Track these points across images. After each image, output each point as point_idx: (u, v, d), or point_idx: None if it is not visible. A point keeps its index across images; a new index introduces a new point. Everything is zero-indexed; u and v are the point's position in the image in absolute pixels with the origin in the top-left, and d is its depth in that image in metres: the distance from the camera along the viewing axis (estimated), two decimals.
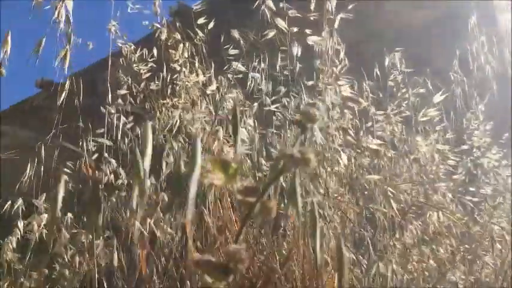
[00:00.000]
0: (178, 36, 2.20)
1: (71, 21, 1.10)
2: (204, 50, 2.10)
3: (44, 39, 1.05)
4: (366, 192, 1.70)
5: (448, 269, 2.07)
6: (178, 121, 1.65)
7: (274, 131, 1.92)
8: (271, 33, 1.46)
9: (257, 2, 1.42)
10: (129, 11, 2.09)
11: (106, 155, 2.22)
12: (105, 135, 2.05)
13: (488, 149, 2.63)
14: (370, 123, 2.25)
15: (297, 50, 1.54)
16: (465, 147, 2.53)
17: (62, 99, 1.63)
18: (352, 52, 1.75)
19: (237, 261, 0.45)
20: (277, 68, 1.64)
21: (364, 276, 1.37)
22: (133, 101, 2.22)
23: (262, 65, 1.76)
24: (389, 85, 2.39)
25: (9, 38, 1.02)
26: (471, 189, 2.63)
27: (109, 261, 1.38)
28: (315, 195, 1.33)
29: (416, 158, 2.28)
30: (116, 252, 1.49)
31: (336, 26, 1.86)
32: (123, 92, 2.06)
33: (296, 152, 0.50)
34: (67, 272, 1.18)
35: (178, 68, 2.18)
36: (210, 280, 0.45)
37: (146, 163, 0.57)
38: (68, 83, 1.69)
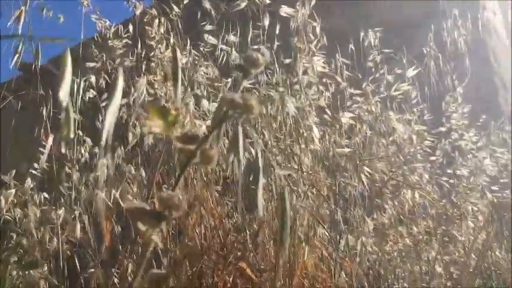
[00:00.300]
0: (154, 11, 2.16)
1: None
2: (180, 26, 2.05)
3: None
4: (339, 169, 1.68)
5: (424, 249, 2.08)
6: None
7: None
8: (242, 4, 1.42)
9: None
10: None
11: (80, 132, 2.19)
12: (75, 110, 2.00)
13: (466, 131, 2.64)
14: (348, 103, 2.24)
15: (268, 22, 1.51)
16: (443, 129, 2.53)
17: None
18: (327, 29, 1.72)
19: (171, 207, 0.43)
20: (249, 39, 1.61)
21: (334, 250, 1.36)
22: (107, 78, 2.18)
23: (234, 37, 1.72)
24: (368, 66, 2.37)
25: None
26: (448, 171, 2.64)
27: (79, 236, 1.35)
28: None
29: (393, 140, 2.28)
30: (85, 227, 1.46)
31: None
32: (91, 64, 2.00)
33: (238, 98, 0.48)
34: (24, 241, 1.15)
35: (154, 45, 2.14)
36: (143, 228, 0.43)
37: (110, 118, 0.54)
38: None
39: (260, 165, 0.52)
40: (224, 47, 1.72)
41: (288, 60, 2.01)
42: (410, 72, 1.66)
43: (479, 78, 3.67)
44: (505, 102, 4.47)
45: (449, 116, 2.70)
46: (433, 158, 2.54)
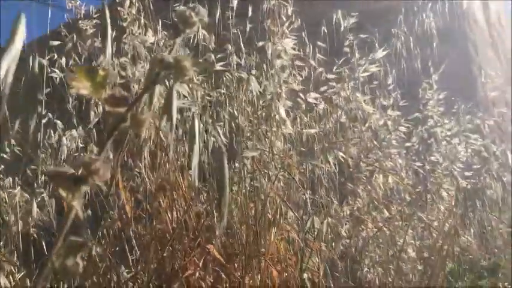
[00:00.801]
0: None
1: None
2: (151, 7, 2.01)
3: None
4: (311, 153, 1.67)
5: (398, 233, 2.09)
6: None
7: (223, 92, 1.87)
8: None
9: None
10: None
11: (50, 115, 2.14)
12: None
13: (441, 118, 2.65)
14: (323, 88, 2.22)
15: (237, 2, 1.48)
16: (418, 115, 2.54)
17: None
18: (302, 12, 1.70)
19: (91, 172, 0.41)
20: (216, 19, 1.58)
21: (299, 231, 1.35)
22: (78, 59, 2.12)
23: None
24: (345, 51, 2.36)
25: None
26: (424, 157, 2.66)
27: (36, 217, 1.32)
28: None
29: (368, 126, 2.27)
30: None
31: None
32: (55, 43, 1.95)
33: (169, 58, 0.45)
34: None
35: (125, 25, 2.09)
36: (63, 193, 0.41)
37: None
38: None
39: (196, 130, 0.49)
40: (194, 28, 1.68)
41: (261, 43, 1.99)
42: (380, 54, 1.64)
43: (458, 66, 3.70)
44: (481, 90, 4.51)
45: (425, 103, 2.71)
46: (408, 144, 2.55)
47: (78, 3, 2.15)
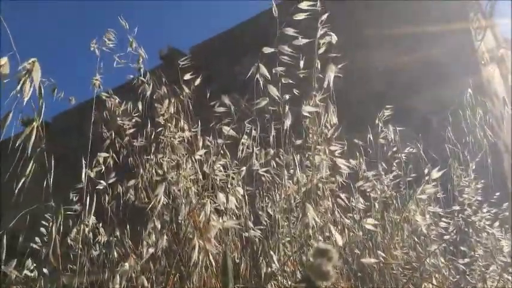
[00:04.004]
0: (164, 90, 2.15)
1: (42, 92, 1.01)
2: (191, 107, 2.04)
3: (11, 114, 0.96)
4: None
5: None
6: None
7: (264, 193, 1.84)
8: (263, 102, 1.40)
9: (251, 70, 1.36)
10: (115, 65, 2.03)
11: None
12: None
13: (479, 207, 2.58)
14: (361, 182, 2.19)
15: (289, 122, 1.48)
16: (456, 207, 2.47)
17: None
18: (341, 101, 1.71)
19: None
20: (270, 136, 1.58)
21: None
22: (116, 157, 2.13)
23: (254, 132, 1.70)
24: (380, 142, 2.35)
25: None
26: (462, 248, 2.57)
27: None
28: None
29: (407, 217, 2.21)
30: None
31: (326, 84, 1.83)
32: (103, 155, 1.97)
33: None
34: None
35: (163, 122, 2.12)
36: None
37: None
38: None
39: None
40: (245, 141, 1.69)
41: (298, 142, 1.98)
42: (435, 174, 1.61)
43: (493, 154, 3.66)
44: (509, 168, 4.44)
45: (461, 190, 2.65)
46: (447, 236, 2.47)
47: (117, 101, 2.18)
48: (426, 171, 1.64)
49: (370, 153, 2.24)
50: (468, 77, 4.33)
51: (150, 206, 1.55)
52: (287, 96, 1.49)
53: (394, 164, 2.28)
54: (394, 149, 2.28)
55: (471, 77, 4.54)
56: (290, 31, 1.43)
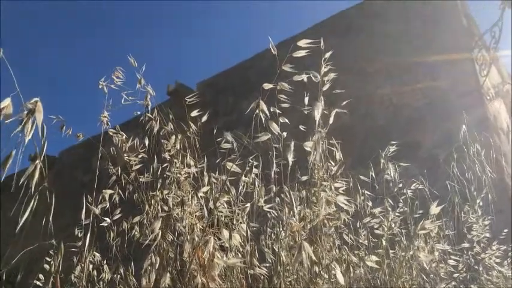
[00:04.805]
0: (170, 126, 2.17)
1: (45, 132, 1.03)
2: (198, 144, 2.05)
3: (14, 153, 0.97)
4: None
5: None
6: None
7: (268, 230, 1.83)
8: (265, 137, 1.41)
9: (251, 106, 1.38)
10: (122, 102, 2.06)
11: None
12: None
13: (488, 245, 2.55)
14: (367, 219, 2.18)
15: (291, 158, 1.49)
16: (465, 245, 2.44)
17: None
18: (346, 136, 1.71)
19: None
20: (272, 173, 1.58)
21: None
22: (122, 193, 2.14)
23: (256, 170, 1.71)
24: (386, 178, 2.34)
25: None
26: (473, 287, 2.51)
27: None
28: None
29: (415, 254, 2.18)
30: None
31: (331, 120, 1.84)
32: (109, 191, 1.98)
33: None
34: None
35: (169, 158, 2.13)
36: None
37: None
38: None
39: None
40: (246, 179, 1.70)
41: (304, 178, 1.98)
42: (434, 209, 1.60)
43: (493, 181, 3.63)
44: None
45: (469, 226, 2.62)
46: (456, 275, 2.42)
47: (124, 137, 2.20)
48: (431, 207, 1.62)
49: (377, 189, 2.23)
50: (473, 113, 4.35)
51: (148, 240, 1.54)
52: (285, 134, 1.51)
53: (401, 200, 2.26)
54: (400, 185, 2.27)
55: (476, 113, 4.56)
56: (289, 68, 1.45)
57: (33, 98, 1.00)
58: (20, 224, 0.96)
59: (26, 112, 0.97)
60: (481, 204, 2.56)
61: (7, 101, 0.94)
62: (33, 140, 1.00)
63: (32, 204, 0.98)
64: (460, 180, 2.35)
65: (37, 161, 0.99)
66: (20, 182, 0.97)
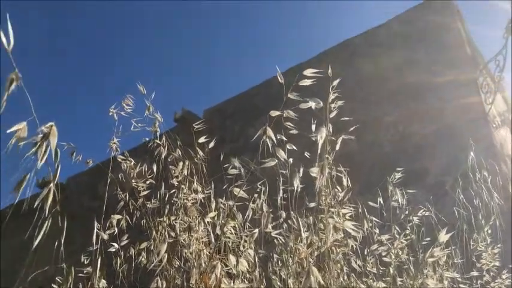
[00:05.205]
0: (178, 152, 2.20)
1: (59, 156, 1.05)
2: (205, 170, 2.07)
3: (28, 177, 0.99)
4: None
5: None
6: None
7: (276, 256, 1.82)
8: (271, 163, 1.43)
9: (258, 133, 1.40)
10: (132, 129, 2.09)
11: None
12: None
13: (498, 273, 2.51)
14: (374, 246, 2.17)
15: (298, 184, 1.50)
16: (475, 273, 2.41)
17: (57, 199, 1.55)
18: (354, 163, 1.72)
19: None
20: (279, 199, 1.59)
21: None
22: (129, 219, 2.15)
23: (263, 196, 1.72)
24: (393, 205, 2.33)
25: None
26: None
27: None
28: None
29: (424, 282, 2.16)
30: None
31: (337, 147, 1.86)
32: (117, 217, 1.99)
33: None
34: None
35: (176, 184, 2.15)
36: None
37: None
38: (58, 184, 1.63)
39: None
40: (253, 205, 1.71)
41: (312, 204, 1.99)
42: (443, 237, 1.60)
43: (501, 208, 3.61)
44: None
45: (479, 255, 2.60)
46: None
47: (132, 163, 2.23)
48: (440, 235, 1.62)
49: (385, 216, 2.23)
50: (480, 140, 4.35)
51: (154, 265, 1.54)
52: (291, 160, 1.52)
53: (408, 227, 2.26)
54: (407, 211, 2.26)
55: (483, 140, 4.56)
56: (295, 96, 1.48)
57: (49, 122, 1.02)
58: (34, 247, 0.97)
59: (40, 136, 0.99)
60: (489, 231, 2.54)
61: (22, 124, 0.97)
62: (47, 165, 1.02)
63: (45, 227, 0.99)
64: (468, 207, 2.34)
65: (51, 184, 1.01)
66: (35, 205, 0.99)
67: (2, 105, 0.91)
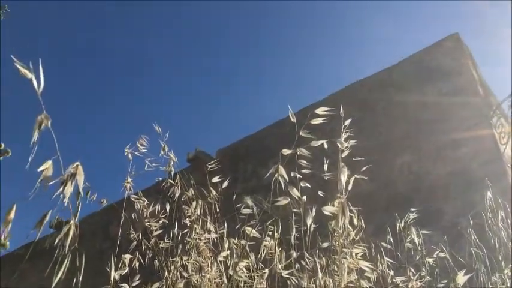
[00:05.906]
0: (191, 192, 2.21)
1: (81, 195, 1.07)
2: (218, 209, 2.08)
3: (49, 214, 1.01)
4: None
5: None
6: None
7: None
8: (284, 201, 1.43)
9: (270, 171, 1.42)
10: (146, 169, 2.12)
11: None
12: None
13: None
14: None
15: (311, 222, 1.50)
16: None
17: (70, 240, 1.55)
18: (368, 204, 1.70)
19: None
20: (292, 237, 1.58)
21: None
22: (141, 259, 2.14)
23: (276, 234, 1.71)
24: (407, 246, 2.30)
25: (12, 215, 0.99)
26: None
27: None
28: None
29: None
30: None
31: (349, 187, 1.85)
32: (128, 257, 1.99)
33: None
34: None
35: (189, 224, 2.15)
36: None
37: None
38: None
39: None
40: (266, 243, 1.70)
41: (325, 244, 1.97)
42: (461, 278, 1.56)
43: None
44: None
45: None
46: None
47: (146, 203, 2.24)
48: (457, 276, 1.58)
49: (400, 258, 2.19)
50: (496, 181, 4.29)
51: None
52: (304, 198, 1.52)
53: (423, 269, 2.21)
54: (423, 253, 2.22)
55: (499, 181, 4.49)
56: (307, 134, 1.49)
57: (75, 163, 1.05)
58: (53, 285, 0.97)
59: (67, 175, 1.02)
60: (509, 274, 2.47)
61: (48, 163, 1.00)
62: (69, 202, 1.04)
63: (65, 263, 1.00)
64: (482, 248, 2.30)
65: (71, 221, 1.03)
66: (55, 242, 1.01)
67: (34, 147, 0.94)
